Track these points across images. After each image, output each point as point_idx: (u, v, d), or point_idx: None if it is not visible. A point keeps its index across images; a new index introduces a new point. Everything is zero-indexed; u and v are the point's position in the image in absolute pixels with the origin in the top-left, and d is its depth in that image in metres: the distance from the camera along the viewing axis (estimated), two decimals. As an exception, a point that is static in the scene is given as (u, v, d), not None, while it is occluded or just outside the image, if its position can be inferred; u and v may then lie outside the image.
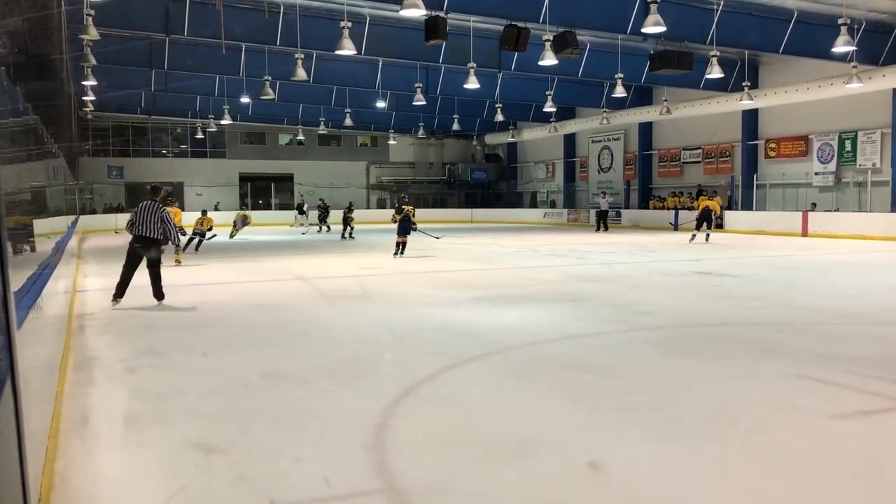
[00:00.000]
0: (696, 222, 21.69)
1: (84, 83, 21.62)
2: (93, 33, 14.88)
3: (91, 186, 38.96)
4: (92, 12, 14.74)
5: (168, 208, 10.25)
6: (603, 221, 29.18)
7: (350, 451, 4.01)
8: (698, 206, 22.56)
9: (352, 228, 25.57)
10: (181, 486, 3.55)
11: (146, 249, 9.50)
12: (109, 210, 38.35)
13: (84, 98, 26.06)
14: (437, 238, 21.12)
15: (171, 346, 6.95)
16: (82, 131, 37.82)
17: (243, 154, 42.68)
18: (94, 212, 37.54)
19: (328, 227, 28.53)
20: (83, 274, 13.82)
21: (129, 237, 9.57)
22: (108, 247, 22.64)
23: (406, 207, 17.23)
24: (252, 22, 19.02)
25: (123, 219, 36.60)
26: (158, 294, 9.70)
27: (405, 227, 16.93)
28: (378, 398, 5.00)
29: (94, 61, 17.82)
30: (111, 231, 34.35)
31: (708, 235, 21.64)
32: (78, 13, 14.95)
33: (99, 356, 6.56)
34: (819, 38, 19.74)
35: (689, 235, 21.69)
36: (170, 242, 10.15)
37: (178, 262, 15.34)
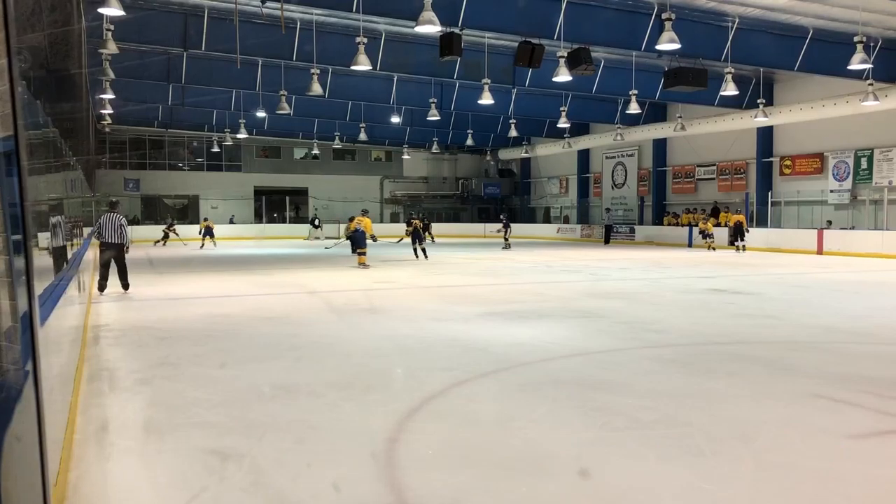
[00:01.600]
0: (729, 238, 25.48)
1: (102, 97, 21.87)
2: (112, 48, 15.08)
3: (108, 199, 39.24)
4: (112, 27, 14.95)
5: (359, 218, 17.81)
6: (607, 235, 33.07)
7: (360, 464, 4.01)
8: (728, 222, 26.38)
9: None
10: (192, 495, 3.57)
11: (110, 251, 12.23)
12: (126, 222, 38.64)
13: (102, 111, 26.35)
14: (397, 242, 23.05)
15: (183, 358, 6.98)
16: (100, 144, 38.21)
17: (258, 168, 42.97)
18: (110, 224, 37.81)
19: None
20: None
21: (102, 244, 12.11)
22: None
23: (415, 221, 20.39)
24: (268, 37, 19.20)
25: (139, 231, 37.18)
26: (125, 285, 12.44)
27: (418, 236, 20.35)
28: (388, 412, 5.00)
29: (112, 75, 18.06)
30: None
31: (744, 247, 24.81)
32: (98, 28, 15.16)
33: (113, 367, 6.60)
34: (835, 56, 19.70)
35: (726, 250, 23.33)
36: (125, 245, 12.52)
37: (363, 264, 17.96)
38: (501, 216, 31.77)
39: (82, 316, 8.66)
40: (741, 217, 25.95)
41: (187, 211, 42.06)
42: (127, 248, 12.55)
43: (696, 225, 29.57)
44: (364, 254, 18.43)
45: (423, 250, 20.87)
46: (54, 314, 3.86)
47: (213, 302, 11.69)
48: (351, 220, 25.84)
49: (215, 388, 5.77)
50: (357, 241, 18.48)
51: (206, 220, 32.95)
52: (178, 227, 32.58)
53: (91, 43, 15.68)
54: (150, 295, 12.59)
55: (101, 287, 12.20)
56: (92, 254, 21.21)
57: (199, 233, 31.43)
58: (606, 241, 33.05)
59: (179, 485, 3.75)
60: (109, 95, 21.50)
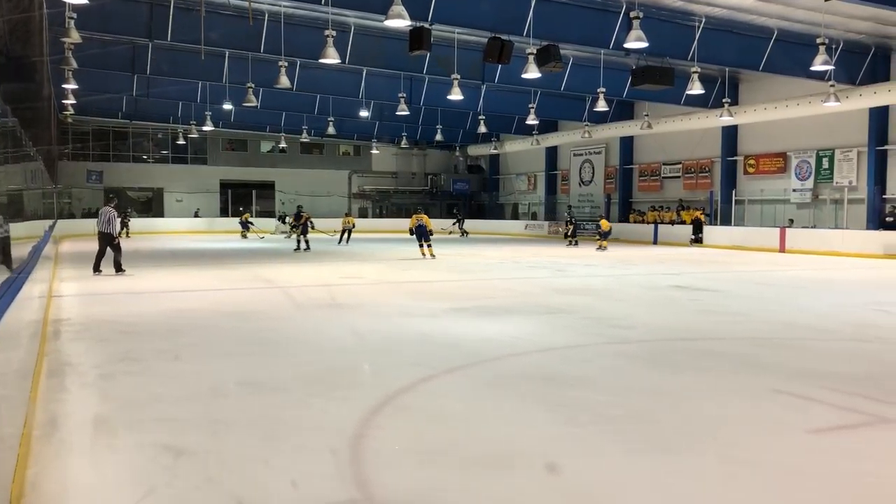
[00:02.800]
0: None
1: (64, 86, 21.44)
2: (74, 36, 14.76)
3: (70, 191, 38.61)
4: (74, 15, 14.62)
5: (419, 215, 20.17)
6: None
7: (326, 460, 3.98)
8: (688, 219, 27.91)
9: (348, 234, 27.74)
10: (151, 490, 3.50)
11: (102, 240, 14.22)
12: (88, 215, 38.01)
13: (64, 101, 25.85)
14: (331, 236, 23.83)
15: (146, 353, 6.87)
16: (62, 135, 37.53)
17: (224, 161, 42.47)
18: (72, 216, 37.20)
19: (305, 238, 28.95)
20: (59, 279, 13.65)
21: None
22: (85, 252, 22.41)
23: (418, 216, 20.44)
24: (235, 29, 18.95)
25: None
26: (119, 268, 14.06)
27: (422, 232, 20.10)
28: (356, 408, 4.97)
29: (74, 64, 17.67)
30: (91, 235, 34.07)
31: (701, 239, 26.60)
32: (59, 16, 14.83)
33: (73, 362, 6.48)
34: (798, 57, 20.01)
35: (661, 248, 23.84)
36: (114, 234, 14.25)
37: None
38: (455, 210, 34.44)
39: (42, 310, 8.48)
40: (699, 213, 28.01)
41: (151, 204, 41.46)
42: (116, 238, 14.29)
43: (663, 222, 29.93)
44: (430, 245, 20.25)
45: (430, 246, 20.19)
46: (11, 309, 3.77)
47: (178, 296, 11.53)
48: (296, 214, 26.32)
49: (178, 384, 5.68)
50: (422, 234, 20.20)
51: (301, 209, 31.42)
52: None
53: (53, 31, 15.35)
54: (112, 289, 12.38)
55: (95, 268, 14.12)
56: (52, 248, 20.79)
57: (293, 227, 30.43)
58: (572, 237, 32.98)
59: (139, 480, 3.68)
60: (72, 85, 21.07)
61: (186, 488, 3.61)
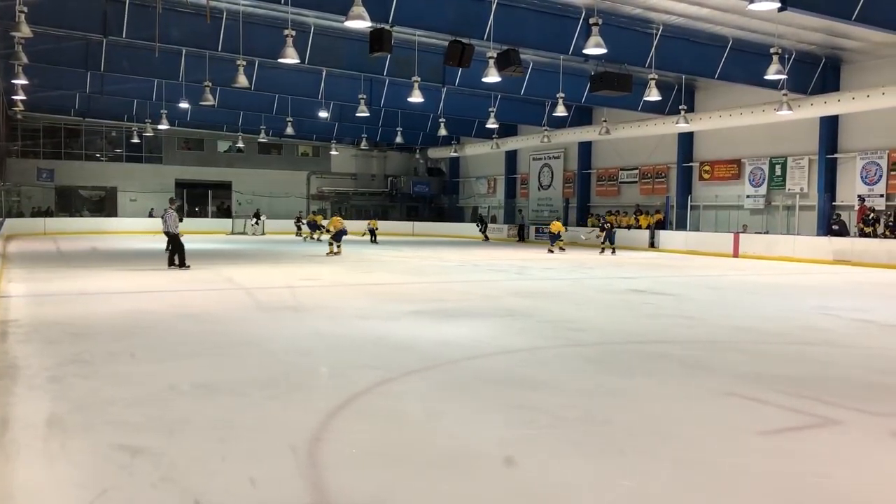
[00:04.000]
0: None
1: (14, 81, 20.89)
2: (25, 31, 14.39)
3: (19, 189, 37.65)
4: (25, 9, 14.26)
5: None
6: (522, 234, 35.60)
7: (282, 463, 3.94)
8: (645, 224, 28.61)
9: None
10: (101, 493, 3.43)
11: (168, 238, 16.32)
12: (38, 214, 37.13)
13: (14, 97, 25.21)
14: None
15: (98, 355, 6.73)
16: (11, 131, 36.60)
17: (180, 160, 41.81)
18: (21, 215, 36.29)
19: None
20: (7, 279, 13.30)
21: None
22: (35, 251, 21.88)
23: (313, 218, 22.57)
24: (193, 26, 18.69)
25: (52, 223, 35.80)
26: (181, 264, 15.81)
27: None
28: (313, 411, 4.93)
29: (25, 59, 17.24)
30: (40, 234, 33.29)
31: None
32: (10, 9, 14.48)
33: (22, 364, 6.31)
34: (752, 66, 20.43)
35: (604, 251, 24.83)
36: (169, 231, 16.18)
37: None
38: (480, 216, 37.42)
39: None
40: (660, 216, 29.19)
41: (104, 203, 40.63)
42: (178, 235, 15.97)
43: (621, 227, 30.27)
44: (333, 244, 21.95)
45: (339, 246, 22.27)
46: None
47: (132, 297, 11.32)
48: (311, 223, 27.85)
49: (131, 387, 5.58)
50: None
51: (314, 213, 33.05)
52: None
53: (2, 25, 14.97)
54: (63, 290, 12.11)
55: (169, 263, 15.99)
56: (0, 245, 20.30)
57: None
58: (521, 239, 35.45)
59: (88, 485, 3.60)
60: (22, 81, 20.53)
61: (140, 488, 3.54)
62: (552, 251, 25.42)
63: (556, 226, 27.15)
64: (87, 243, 26.23)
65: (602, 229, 26.08)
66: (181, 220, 16.79)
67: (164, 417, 4.77)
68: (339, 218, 23.91)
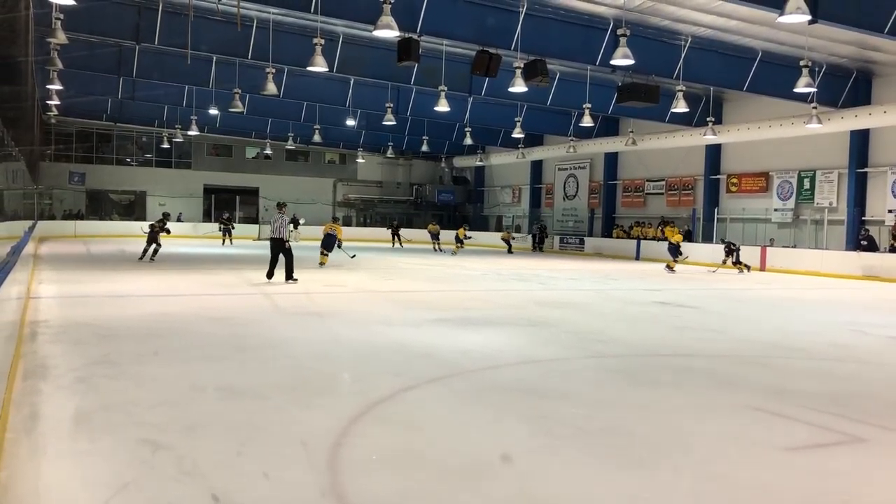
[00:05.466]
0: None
1: (49, 87, 21.28)
2: (60, 37, 14.67)
3: (51, 192, 38.29)
4: (61, 16, 14.53)
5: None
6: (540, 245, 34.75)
7: (302, 468, 3.97)
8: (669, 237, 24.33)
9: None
10: (124, 485, 3.48)
11: (275, 245, 14.44)
12: (69, 217, 37.69)
13: (48, 102, 25.64)
14: (353, 257, 21.78)
15: (125, 357, 6.83)
16: (45, 135, 37.21)
17: (209, 166, 42.28)
18: (53, 217, 36.88)
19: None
20: (38, 280, 13.52)
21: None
22: (65, 254, 22.22)
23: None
24: (224, 34, 18.91)
25: (83, 226, 36.28)
26: (288, 276, 14.22)
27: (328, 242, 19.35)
28: (334, 417, 4.96)
29: (60, 65, 17.56)
30: (71, 237, 33.79)
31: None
32: (46, 17, 14.75)
33: (50, 364, 6.42)
34: (781, 78, 20.24)
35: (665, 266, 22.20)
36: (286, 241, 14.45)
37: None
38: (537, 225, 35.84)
39: (20, 312, 8.41)
40: (687, 228, 28.67)
41: (134, 207, 41.16)
42: (288, 243, 14.41)
43: (645, 238, 30.04)
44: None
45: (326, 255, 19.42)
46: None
47: (158, 300, 11.46)
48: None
49: (156, 388, 5.65)
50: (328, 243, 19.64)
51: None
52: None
53: (39, 31, 15.24)
54: (92, 292, 12.29)
55: (269, 275, 14.42)
56: (32, 249, 20.61)
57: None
58: (537, 249, 34.62)
59: (114, 480, 3.66)
60: (57, 86, 20.92)
61: (162, 484, 3.59)
62: (672, 268, 21.82)
63: (678, 236, 22.88)
64: (116, 246, 26.56)
65: (729, 251, 22.23)
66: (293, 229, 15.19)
67: (188, 419, 4.82)
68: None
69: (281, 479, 3.80)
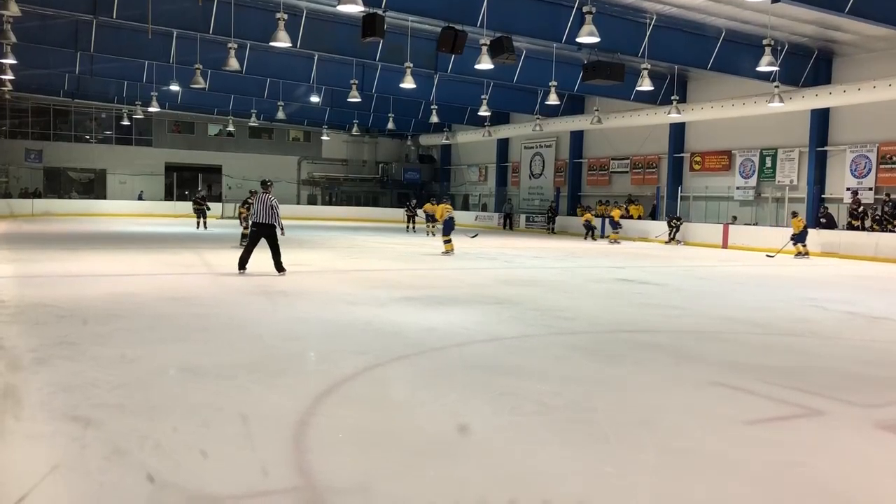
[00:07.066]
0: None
1: (3, 61, 20.69)
2: (14, 9, 14.27)
3: (6, 169, 37.38)
4: (14, -12, 14.13)
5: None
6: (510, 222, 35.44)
7: (268, 447, 3.94)
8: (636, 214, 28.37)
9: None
10: (85, 474, 3.42)
11: (261, 231, 11.95)
12: (26, 195, 36.87)
13: (2, 77, 24.95)
14: (473, 237, 22.13)
15: (84, 338, 6.70)
16: (-1, 111, 36.30)
17: (170, 143, 41.59)
18: (9, 196, 36.04)
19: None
20: (-6, 260, 13.22)
21: None
22: (23, 233, 21.74)
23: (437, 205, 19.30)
24: (184, 8, 18.52)
25: (41, 204, 35.53)
26: (278, 267, 11.99)
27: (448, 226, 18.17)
28: (299, 396, 4.93)
29: (14, 39, 17.09)
30: (28, 216, 33.08)
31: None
32: (-2, -12, 14.31)
33: (7, 346, 6.28)
34: (744, 57, 20.46)
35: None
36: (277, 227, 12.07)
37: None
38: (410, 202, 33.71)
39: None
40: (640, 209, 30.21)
41: (93, 185, 40.38)
42: (282, 229, 12.18)
43: (602, 216, 30.20)
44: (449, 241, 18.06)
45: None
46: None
47: (118, 280, 11.28)
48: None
49: (117, 370, 5.55)
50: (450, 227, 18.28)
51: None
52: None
53: (-9, 3, 14.80)
54: (50, 271, 12.04)
55: (241, 264, 12.14)
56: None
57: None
58: (508, 227, 35.30)
59: (72, 466, 3.59)
60: (10, 60, 20.36)
61: (119, 470, 3.53)
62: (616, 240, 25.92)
63: (617, 212, 27.15)
64: (76, 225, 26.08)
65: (671, 222, 26.53)
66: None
67: (150, 401, 4.75)
68: (447, 205, 19.87)
69: (246, 458, 3.77)
